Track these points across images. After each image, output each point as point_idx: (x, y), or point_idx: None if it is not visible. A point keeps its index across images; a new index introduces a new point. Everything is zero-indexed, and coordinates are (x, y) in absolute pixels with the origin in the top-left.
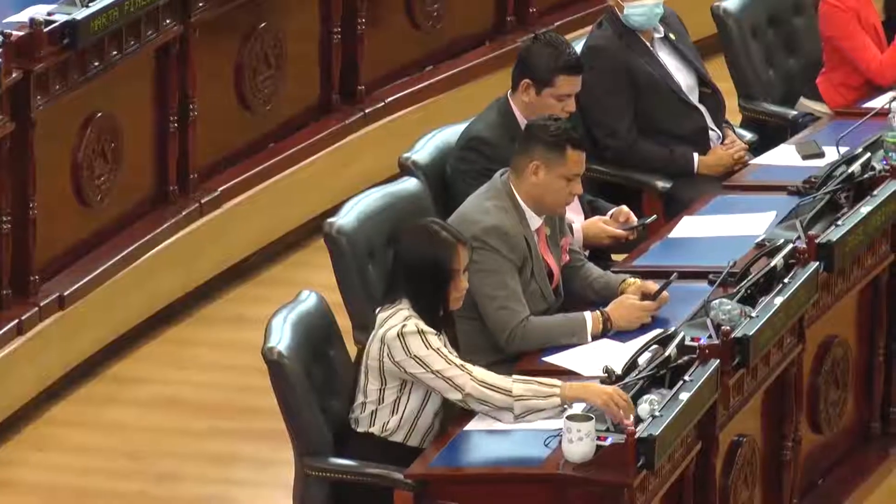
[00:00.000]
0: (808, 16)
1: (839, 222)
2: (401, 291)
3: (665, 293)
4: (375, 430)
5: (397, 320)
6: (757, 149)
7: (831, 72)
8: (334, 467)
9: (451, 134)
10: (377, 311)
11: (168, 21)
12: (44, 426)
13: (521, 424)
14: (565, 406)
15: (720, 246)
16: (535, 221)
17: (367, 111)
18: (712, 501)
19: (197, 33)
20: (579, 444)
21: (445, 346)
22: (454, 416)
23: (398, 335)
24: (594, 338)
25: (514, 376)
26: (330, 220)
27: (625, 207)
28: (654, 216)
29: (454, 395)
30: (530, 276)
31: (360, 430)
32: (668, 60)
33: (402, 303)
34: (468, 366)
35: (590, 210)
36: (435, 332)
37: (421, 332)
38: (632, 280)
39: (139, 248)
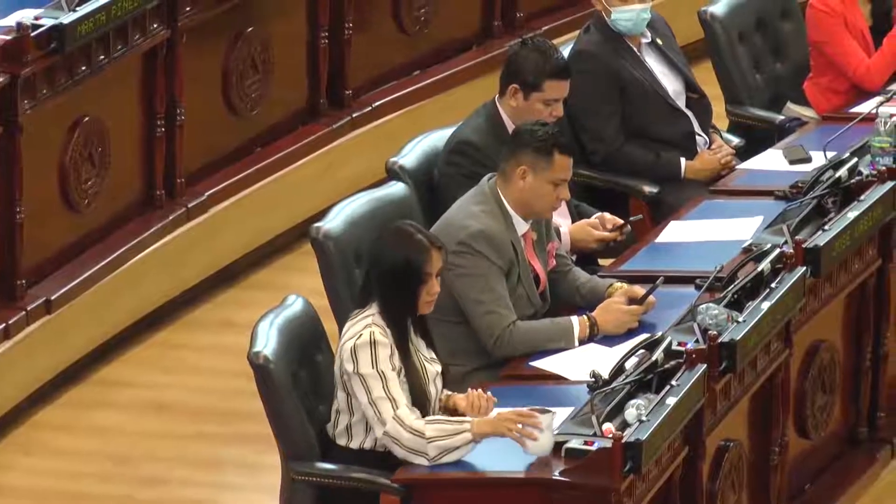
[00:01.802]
0: (796, 20)
1: (826, 227)
2: (373, 294)
3: (652, 298)
4: (354, 445)
5: (357, 329)
6: (744, 153)
7: (818, 76)
8: (320, 472)
9: (438, 138)
10: (350, 316)
11: (155, 25)
12: (31, 430)
13: None
14: (476, 441)
15: (707, 250)
16: (521, 226)
17: (354, 115)
18: None
19: (184, 37)
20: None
21: (418, 351)
22: None
23: (352, 348)
24: (581, 342)
25: (427, 418)
26: (317, 224)
27: (606, 214)
28: (640, 215)
29: (378, 430)
30: (517, 281)
31: (340, 443)
32: (656, 65)
33: (372, 307)
34: (399, 399)
35: (577, 214)
36: (389, 344)
37: (373, 344)
38: (618, 284)
39: (126, 252)
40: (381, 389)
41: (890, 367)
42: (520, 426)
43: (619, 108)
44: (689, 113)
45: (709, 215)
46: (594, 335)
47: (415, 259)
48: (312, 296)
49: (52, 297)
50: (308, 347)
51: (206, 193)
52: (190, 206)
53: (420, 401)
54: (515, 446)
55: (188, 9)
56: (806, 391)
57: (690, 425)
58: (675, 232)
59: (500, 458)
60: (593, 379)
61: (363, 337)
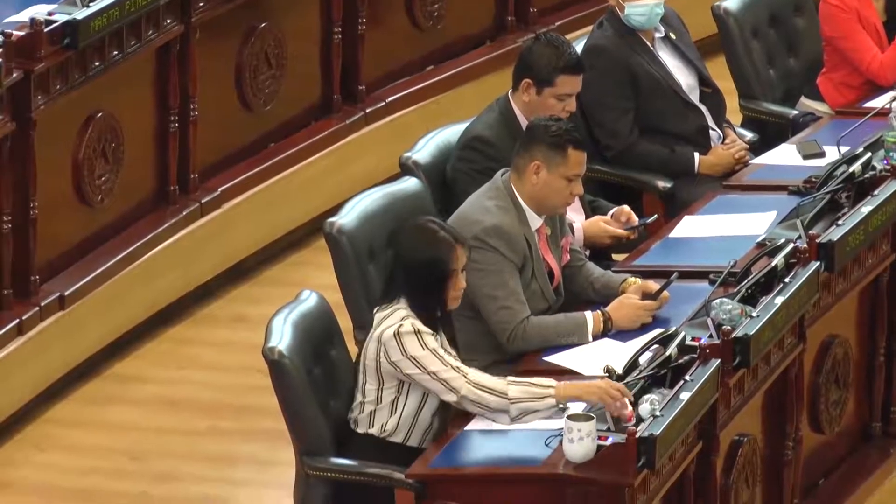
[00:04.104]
0: (809, 15)
1: (840, 222)
2: (399, 291)
3: (666, 293)
4: (375, 430)
5: (394, 320)
6: (757, 148)
7: (832, 71)
8: (335, 467)
9: (451, 134)
10: (375, 311)
11: (169, 21)
12: (44, 426)
13: (521, 424)
14: (561, 406)
15: (721, 245)
16: (535, 221)
17: (367, 111)
18: (713, 501)
19: (197, 33)
20: (580, 443)
21: (442, 346)
22: (454, 415)
23: (394, 335)
24: (595, 337)
25: (509, 378)
26: (330, 219)
27: (626, 207)
28: (655, 216)
29: (449, 397)
30: (531, 276)
31: (359, 430)
32: (669, 60)
33: (399, 302)
34: (464, 367)
35: (590, 210)
36: (432, 332)
37: (417, 333)
38: (632, 280)
39: (140, 247)
40: (440, 364)
41: None
42: (608, 398)
43: (633, 104)
44: (703, 108)
45: (722, 210)
46: (608, 330)
47: (440, 256)
48: (326, 291)
49: (66, 293)
50: (322, 343)
51: (220, 189)
52: (203, 201)
53: (441, 400)
54: (528, 442)
55: (201, 4)
56: (820, 386)
57: (704, 420)
58: (688, 227)
59: (514, 454)
60: (607, 374)
61: (405, 326)
